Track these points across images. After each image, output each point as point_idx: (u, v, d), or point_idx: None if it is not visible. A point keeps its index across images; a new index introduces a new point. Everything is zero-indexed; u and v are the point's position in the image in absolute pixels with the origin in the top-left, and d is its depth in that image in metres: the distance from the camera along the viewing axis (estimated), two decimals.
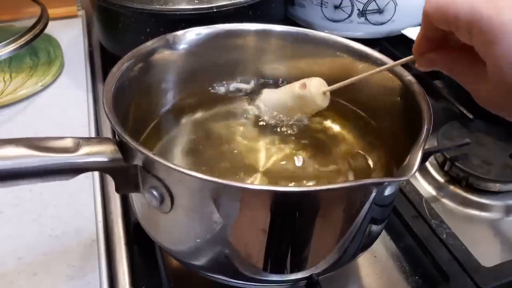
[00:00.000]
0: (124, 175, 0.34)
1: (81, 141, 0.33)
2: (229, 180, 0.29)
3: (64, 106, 0.63)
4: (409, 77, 0.42)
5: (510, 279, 0.42)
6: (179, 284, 0.43)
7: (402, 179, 0.31)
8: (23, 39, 0.63)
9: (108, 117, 0.34)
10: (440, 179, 0.54)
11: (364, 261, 0.45)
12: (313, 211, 0.32)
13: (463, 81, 0.33)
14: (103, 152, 0.33)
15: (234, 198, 0.32)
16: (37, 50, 0.72)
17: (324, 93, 0.44)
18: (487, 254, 0.45)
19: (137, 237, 0.46)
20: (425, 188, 0.54)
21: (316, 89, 0.43)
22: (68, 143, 0.33)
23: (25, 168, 0.31)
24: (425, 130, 0.35)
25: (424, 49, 0.35)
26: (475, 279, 0.41)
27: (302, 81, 0.45)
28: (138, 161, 0.33)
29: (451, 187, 0.53)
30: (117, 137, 0.34)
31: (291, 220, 0.33)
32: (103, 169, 0.34)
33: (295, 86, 0.45)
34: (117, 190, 0.36)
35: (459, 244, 0.44)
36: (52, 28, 0.73)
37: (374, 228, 0.38)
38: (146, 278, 0.43)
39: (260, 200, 0.32)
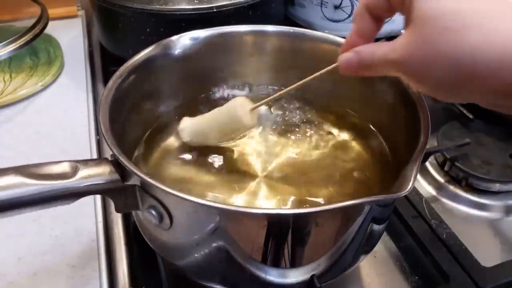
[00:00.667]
0: (123, 195, 0.34)
1: (78, 165, 0.33)
2: (225, 203, 0.31)
3: (64, 106, 0.63)
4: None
5: (510, 279, 0.42)
6: (178, 284, 0.43)
7: (398, 195, 0.30)
8: (23, 39, 0.63)
9: (105, 139, 0.34)
10: (440, 179, 0.54)
11: (364, 261, 0.45)
12: (310, 227, 0.33)
13: (384, 63, 0.30)
14: (101, 174, 0.33)
15: (232, 219, 0.32)
16: (37, 50, 0.72)
17: (251, 111, 0.41)
18: (487, 254, 0.45)
19: (137, 237, 0.46)
20: (425, 188, 0.54)
21: (242, 109, 0.41)
22: (65, 167, 0.33)
23: (24, 197, 0.31)
24: (421, 143, 0.35)
25: (354, 46, 0.33)
26: (475, 279, 0.41)
27: (226, 105, 0.42)
28: (136, 181, 0.33)
29: (451, 187, 0.53)
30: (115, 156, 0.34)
31: (287, 236, 0.33)
32: (103, 191, 0.34)
33: (220, 111, 0.42)
34: (117, 210, 0.36)
35: (459, 244, 0.44)
36: (52, 28, 0.73)
37: (375, 231, 0.38)
38: (146, 278, 0.42)
39: (257, 221, 0.32)
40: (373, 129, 0.47)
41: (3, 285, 0.41)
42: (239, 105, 0.41)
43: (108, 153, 0.56)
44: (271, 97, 0.41)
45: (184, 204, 0.32)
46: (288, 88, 0.39)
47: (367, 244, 0.38)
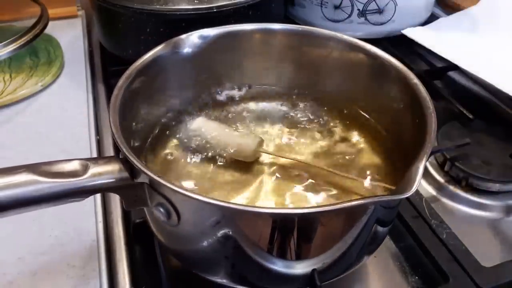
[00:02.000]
0: (132, 193, 0.35)
1: (88, 163, 0.33)
2: (232, 202, 0.31)
3: (64, 106, 0.63)
4: (416, 81, 0.41)
5: (510, 279, 0.42)
6: (179, 284, 0.43)
7: (402, 196, 0.30)
8: (23, 39, 0.63)
9: (115, 138, 0.34)
10: (440, 179, 0.54)
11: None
12: (314, 225, 0.33)
13: None
14: (110, 172, 0.34)
15: (239, 217, 0.33)
16: (37, 50, 0.72)
17: (256, 151, 0.43)
18: (487, 254, 0.45)
19: (137, 237, 0.46)
20: (425, 188, 0.54)
21: (252, 145, 0.43)
22: (76, 166, 0.33)
23: (36, 195, 0.32)
24: (426, 143, 0.35)
25: None
26: (475, 279, 0.41)
27: (247, 133, 0.44)
28: (144, 179, 0.34)
29: (451, 187, 0.53)
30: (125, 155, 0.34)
31: (292, 233, 0.33)
32: (112, 188, 0.34)
33: (235, 134, 0.44)
34: (126, 207, 0.36)
35: (459, 244, 0.44)
36: (52, 28, 0.73)
37: (379, 232, 0.38)
38: (146, 278, 0.43)
39: (263, 219, 0.33)
40: (381, 128, 0.47)
41: (3, 285, 0.41)
42: (258, 143, 0.43)
43: (108, 153, 0.56)
44: (290, 158, 0.43)
45: (191, 202, 0.32)
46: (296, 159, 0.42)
47: (370, 245, 0.38)
